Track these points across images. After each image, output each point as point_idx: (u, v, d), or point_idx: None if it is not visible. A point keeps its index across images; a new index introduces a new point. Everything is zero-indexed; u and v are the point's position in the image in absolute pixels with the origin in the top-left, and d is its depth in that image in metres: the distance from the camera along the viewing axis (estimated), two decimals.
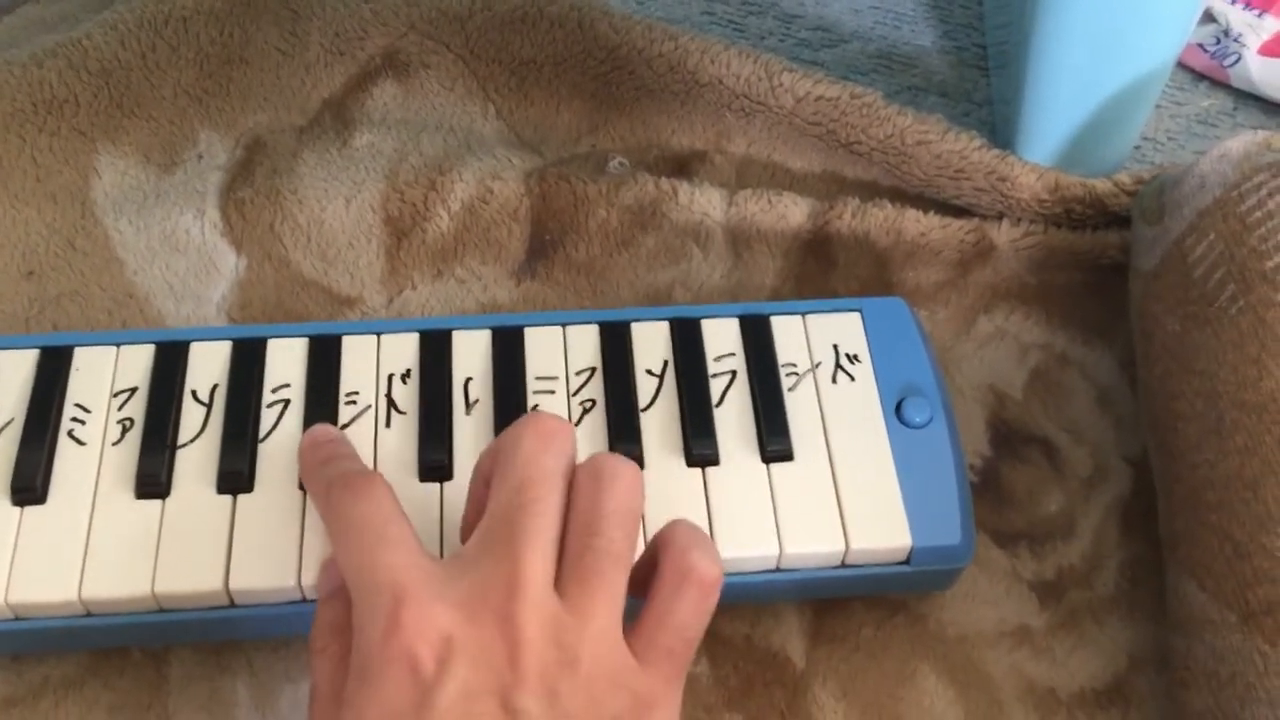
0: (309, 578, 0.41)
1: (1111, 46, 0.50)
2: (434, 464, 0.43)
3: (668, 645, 0.33)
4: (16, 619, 0.40)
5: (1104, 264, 0.53)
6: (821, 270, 0.54)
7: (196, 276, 0.52)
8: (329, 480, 0.37)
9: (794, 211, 0.54)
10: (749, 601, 0.45)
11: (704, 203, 0.54)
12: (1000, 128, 0.60)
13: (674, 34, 0.56)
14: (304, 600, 0.41)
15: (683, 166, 0.57)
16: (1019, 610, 0.46)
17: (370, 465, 0.43)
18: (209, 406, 0.44)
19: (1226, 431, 0.38)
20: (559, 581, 0.33)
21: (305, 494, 0.42)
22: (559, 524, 0.34)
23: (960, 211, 0.54)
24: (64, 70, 0.54)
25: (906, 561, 0.43)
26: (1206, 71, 0.62)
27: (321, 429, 0.41)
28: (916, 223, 0.53)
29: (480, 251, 0.53)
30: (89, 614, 0.41)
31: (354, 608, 0.34)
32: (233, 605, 0.41)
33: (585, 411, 0.45)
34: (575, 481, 0.35)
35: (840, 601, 0.46)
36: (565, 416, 0.44)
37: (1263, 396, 0.37)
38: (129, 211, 0.53)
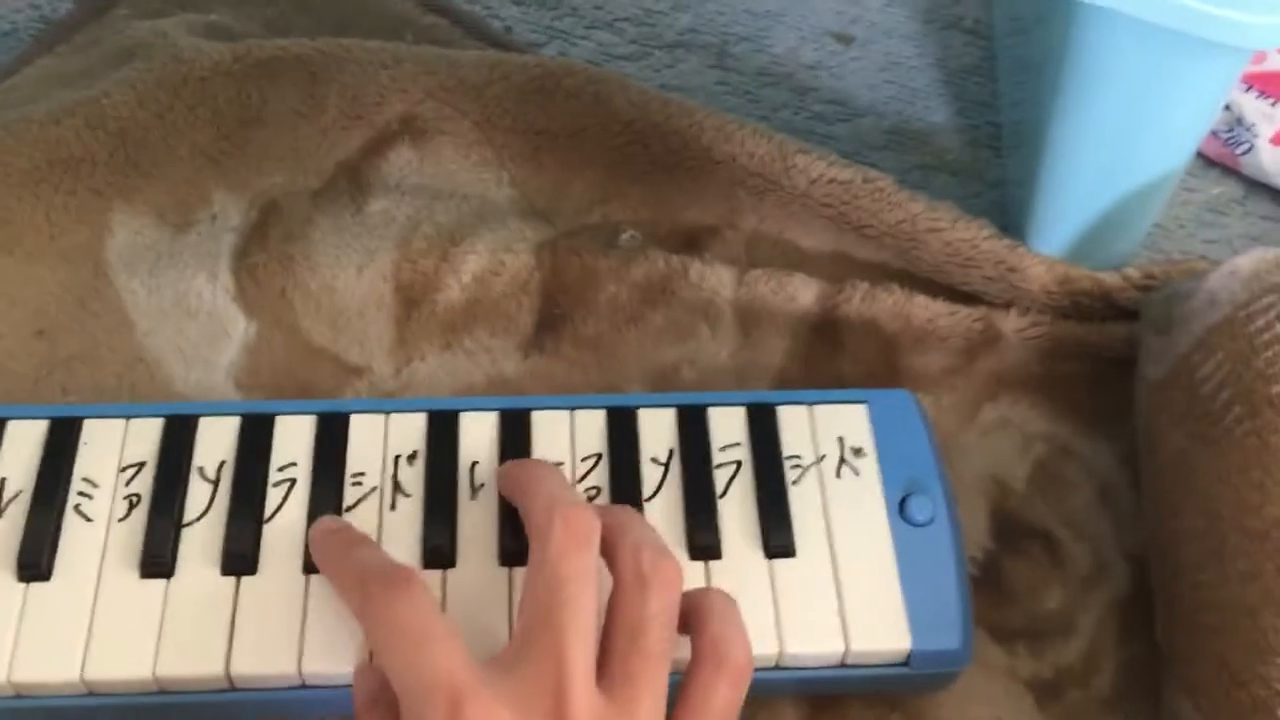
0: (310, 664, 0.41)
1: (1131, 143, 0.50)
2: (436, 550, 0.43)
3: None
4: (17, 696, 0.41)
5: (1110, 356, 0.53)
6: (829, 353, 0.54)
7: (207, 341, 0.52)
8: (363, 577, 0.37)
9: (803, 293, 0.54)
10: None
11: (714, 281, 0.54)
12: (1012, 210, 0.60)
13: (690, 110, 0.56)
14: (304, 686, 0.41)
15: (693, 241, 0.57)
16: (1015, 710, 0.46)
17: None
18: (215, 484, 0.44)
19: (1228, 555, 0.38)
20: (603, 678, 0.34)
21: (308, 577, 0.42)
22: (595, 617, 0.35)
23: (968, 298, 0.54)
24: (81, 129, 0.54)
25: (905, 663, 0.43)
26: (1218, 159, 0.62)
27: (329, 519, 0.42)
28: (924, 309, 0.53)
29: (489, 324, 0.53)
30: (91, 693, 0.41)
31: (404, 708, 0.34)
32: (233, 688, 0.41)
33: (590, 499, 0.45)
34: (619, 578, 0.36)
35: (836, 697, 0.46)
36: None
37: (1265, 523, 0.38)
38: (141, 272, 0.53)
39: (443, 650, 0.34)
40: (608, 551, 0.37)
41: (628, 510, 0.40)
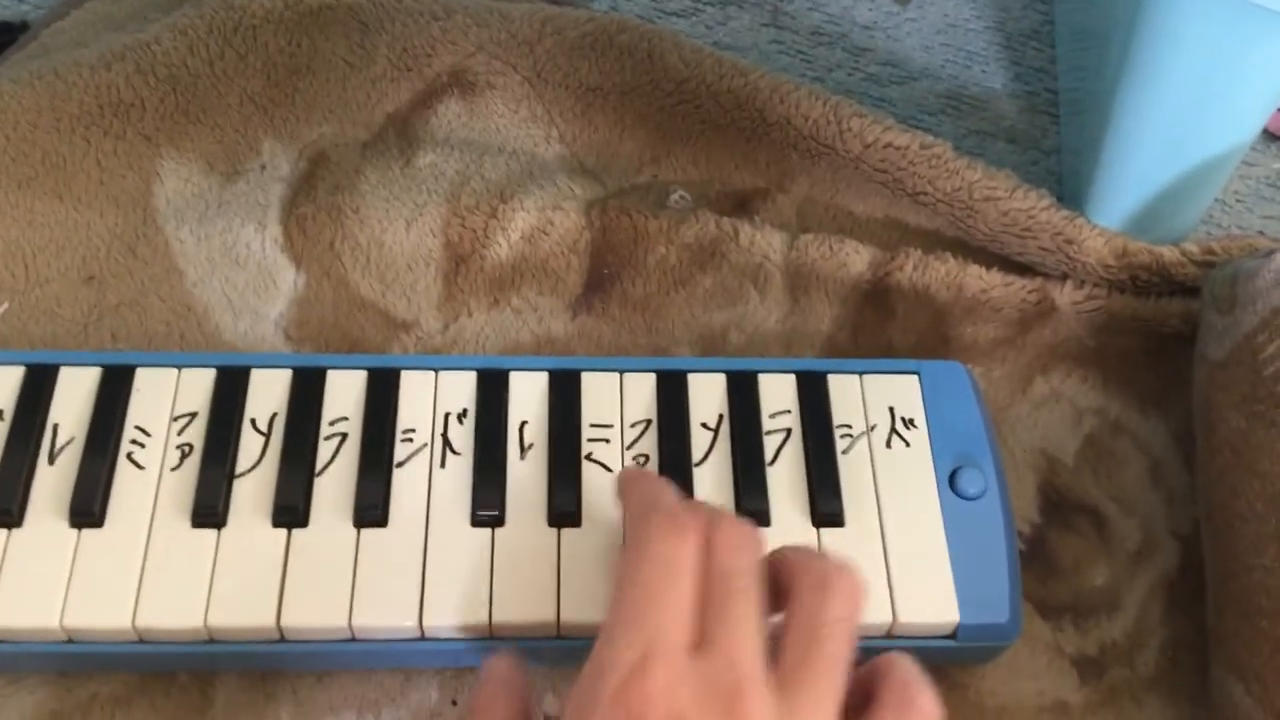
0: (360, 619, 0.41)
1: (1197, 116, 0.49)
2: (487, 511, 0.43)
3: None
4: (69, 641, 0.41)
5: (1165, 332, 0.53)
6: (879, 320, 0.53)
7: (255, 291, 0.52)
8: (658, 503, 0.36)
9: (855, 259, 0.53)
10: None
11: (764, 245, 0.54)
12: (1067, 178, 0.59)
13: (744, 69, 0.55)
14: (353, 639, 0.41)
15: (744, 203, 0.57)
16: (1059, 685, 0.46)
17: (424, 507, 0.43)
18: (267, 436, 0.44)
19: None
20: (778, 678, 0.33)
21: (359, 532, 0.42)
22: (764, 619, 0.34)
23: (1023, 269, 0.54)
24: (131, 74, 0.54)
25: (952, 636, 0.43)
26: (1278, 132, 0.61)
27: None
28: (978, 279, 0.53)
29: (538, 282, 0.53)
30: (141, 640, 0.41)
31: (603, 637, 0.33)
32: (283, 640, 0.41)
33: (639, 463, 0.45)
34: (798, 585, 0.35)
35: None
36: (619, 466, 0.44)
37: None
38: (190, 220, 0.53)
39: (671, 612, 0.33)
40: (781, 566, 0.37)
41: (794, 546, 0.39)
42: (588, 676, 0.33)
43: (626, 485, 0.40)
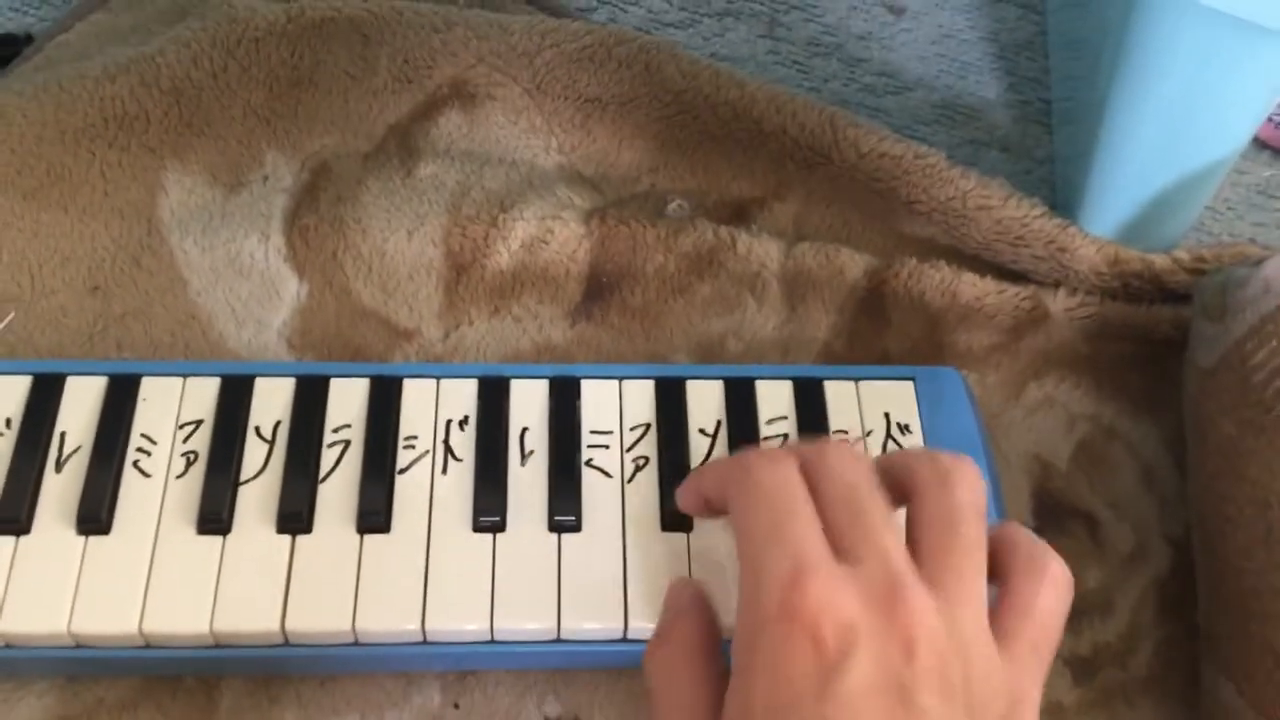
0: (364, 623, 0.41)
1: (1188, 125, 0.50)
2: (488, 516, 0.43)
3: (1032, 639, 0.34)
4: (76, 646, 0.42)
5: (1157, 338, 0.53)
6: (874, 328, 0.54)
7: (259, 301, 0.53)
8: (743, 453, 0.37)
9: (851, 267, 0.54)
10: None
11: (761, 253, 0.54)
12: (1060, 187, 0.60)
13: (741, 80, 0.56)
14: (357, 643, 0.42)
15: (741, 212, 0.57)
16: (1052, 686, 0.46)
17: (426, 513, 0.44)
18: (271, 444, 0.45)
19: (1275, 543, 0.39)
20: (926, 573, 0.33)
21: (362, 537, 0.43)
22: (896, 519, 0.34)
23: (1016, 277, 0.54)
24: (135, 86, 0.55)
25: None
26: (1270, 141, 0.62)
27: None
28: (972, 286, 0.53)
29: (538, 291, 0.54)
30: (147, 645, 0.42)
31: (745, 570, 0.33)
32: (287, 644, 0.42)
33: (639, 468, 0.45)
34: (918, 482, 0.35)
35: None
36: (619, 472, 0.45)
37: None
38: (194, 231, 0.54)
39: (802, 524, 0.33)
40: (897, 471, 0.36)
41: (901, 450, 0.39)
42: (745, 607, 0.33)
43: (707, 478, 0.40)
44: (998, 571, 0.35)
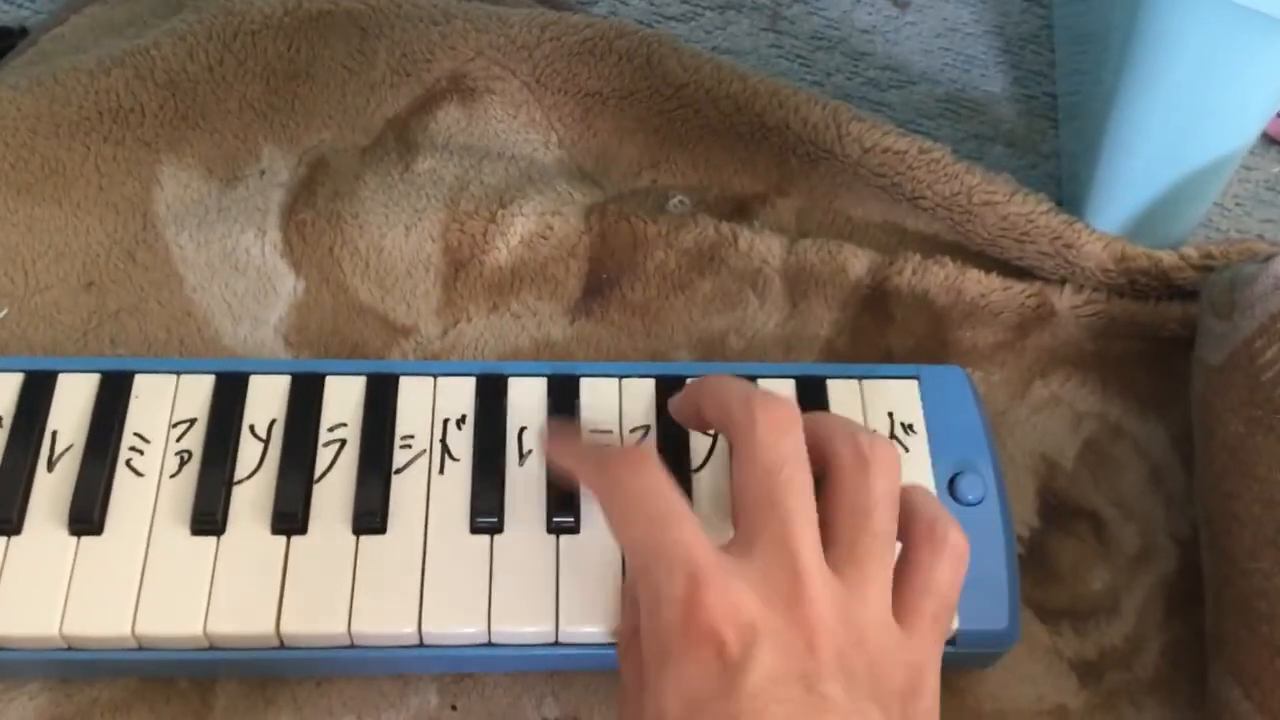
0: (359, 625, 0.41)
1: (1196, 120, 0.49)
2: (485, 518, 0.43)
3: (932, 612, 0.35)
4: (69, 648, 0.41)
5: (1164, 336, 0.53)
6: (878, 325, 0.53)
7: (255, 297, 0.52)
8: (602, 456, 0.37)
9: (854, 264, 0.53)
10: None
11: (763, 250, 0.54)
12: (1066, 182, 0.59)
13: (743, 74, 0.55)
14: (352, 645, 0.41)
15: (743, 208, 0.57)
16: (1058, 689, 0.46)
17: (422, 514, 0.43)
18: (266, 442, 0.44)
19: None
20: (831, 560, 0.34)
21: (358, 538, 0.42)
22: (813, 499, 0.35)
23: (1021, 273, 0.54)
24: (131, 80, 0.54)
25: (951, 642, 0.43)
26: (1278, 136, 0.61)
27: (553, 420, 0.43)
28: (977, 283, 0.53)
29: (536, 287, 0.53)
30: (140, 647, 0.41)
31: (640, 585, 0.34)
32: (282, 646, 0.41)
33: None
34: (838, 463, 0.36)
35: None
36: None
37: None
38: (190, 226, 0.53)
39: (683, 529, 0.33)
40: (818, 445, 0.37)
41: (827, 412, 0.39)
42: (647, 620, 0.33)
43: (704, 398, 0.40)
44: (900, 536, 0.36)
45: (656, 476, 0.35)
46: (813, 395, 0.47)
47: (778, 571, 0.33)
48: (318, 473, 0.44)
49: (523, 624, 0.41)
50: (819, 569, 0.33)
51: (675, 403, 0.42)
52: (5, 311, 0.51)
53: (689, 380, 0.46)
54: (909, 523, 0.36)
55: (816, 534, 0.34)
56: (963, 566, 0.36)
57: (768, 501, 0.34)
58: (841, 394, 0.47)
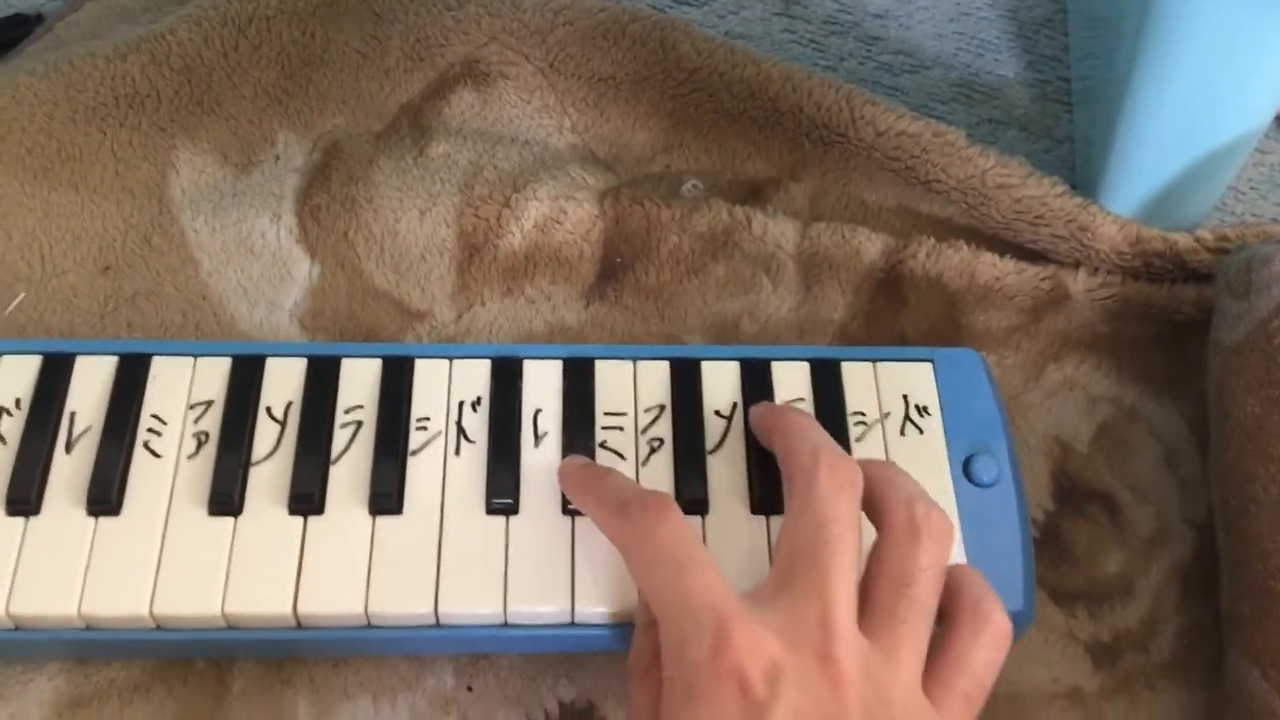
0: (376, 605, 0.41)
1: (1211, 103, 0.49)
2: (501, 499, 0.43)
3: (965, 691, 0.34)
4: (87, 629, 0.41)
5: (1179, 319, 0.52)
6: (892, 309, 0.53)
7: (270, 281, 0.52)
8: (623, 501, 0.37)
9: (868, 247, 0.53)
10: None
11: (777, 234, 0.54)
12: (1080, 166, 0.59)
13: (757, 58, 0.55)
14: (370, 626, 0.42)
15: (756, 192, 0.57)
16: (1072, 671, 0.46)
17: (439, 495, 0.43)
18: (283, 424, 0.45)
19: None
20: (865, 622, 0.34)
21: (375, 519, 0.43)
22: (858, 561, 0.35)
23: (1036, 257, 0.54)
24: (146, 65, 0.54)
25: None
26: None
27: (576, 457, 0.43)
28: (992, 266, 0.53)
29: (551, 271, 0.53)
30: (158, 628, 0.41)
31: (664, 629, 0.34)
32: (299, 627, 0.42)
33: (653, 450, 0.45)
34: (890, 527, 0.36)
35: None
36: (633, 454, 0.45)
37: None
38: (205, 210, 0.54)
39: (707, 576, 0.34)
40: (875, 503, 0.37)
41: (893, 465, 0.39)
42: (671, 661, 0.33)
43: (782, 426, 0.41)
44: (942, 613, 0.36)
45: (678, 524, 0.36)
46: (827, 379, 0.47)
47: (807, 620, 0.33)
48: (334, 454, 0.44)
49: (538, 604, 0.41)
50: (849, 626, 0.33)
51: (755, 418, 0.43)
52: (23, 296, 0.51)
53: (704, 362, 0.47)
54: (953, 599, 0.36)
55: (853, 595, 0.34)
56: (1003, 651, 0.35)
57: (811, 553, 0.34)
58: (856, 377, 0.47)
